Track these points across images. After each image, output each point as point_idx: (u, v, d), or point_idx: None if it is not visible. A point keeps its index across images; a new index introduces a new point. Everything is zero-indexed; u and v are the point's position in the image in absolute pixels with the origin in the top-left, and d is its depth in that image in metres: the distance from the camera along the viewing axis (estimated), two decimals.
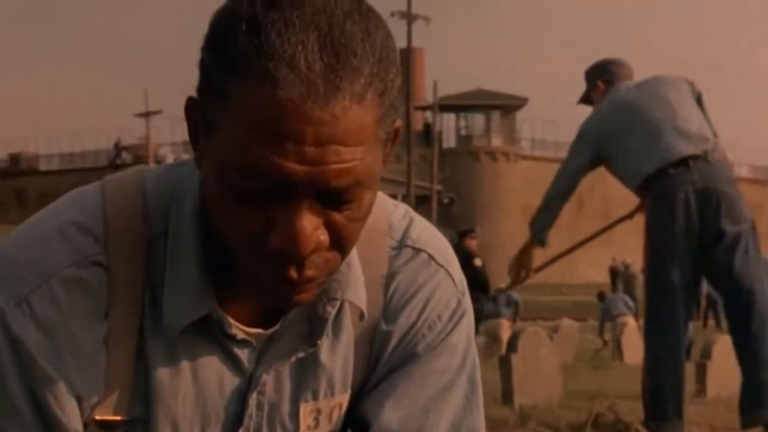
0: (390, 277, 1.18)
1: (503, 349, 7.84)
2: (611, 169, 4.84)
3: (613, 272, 31.01)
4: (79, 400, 1.07)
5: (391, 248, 1.19)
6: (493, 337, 13.32)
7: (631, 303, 16.15)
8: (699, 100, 4.76)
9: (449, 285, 1.21)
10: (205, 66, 0.99)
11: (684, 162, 4.53)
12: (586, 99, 5.06)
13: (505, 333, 12.42)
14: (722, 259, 4.53)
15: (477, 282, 12.69)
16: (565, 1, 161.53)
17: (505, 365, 6.41)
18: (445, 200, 46.00)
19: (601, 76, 4.93)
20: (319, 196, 0.97)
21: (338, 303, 1.14)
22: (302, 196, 0.96)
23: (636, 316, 15.42)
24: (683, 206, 4.51)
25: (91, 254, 1.08)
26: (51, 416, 1.06)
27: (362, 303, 1.15)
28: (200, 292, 1.07)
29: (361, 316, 1.16)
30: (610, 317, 15.55)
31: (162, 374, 1.10)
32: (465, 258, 12.46)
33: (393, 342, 1.19)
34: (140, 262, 1.09)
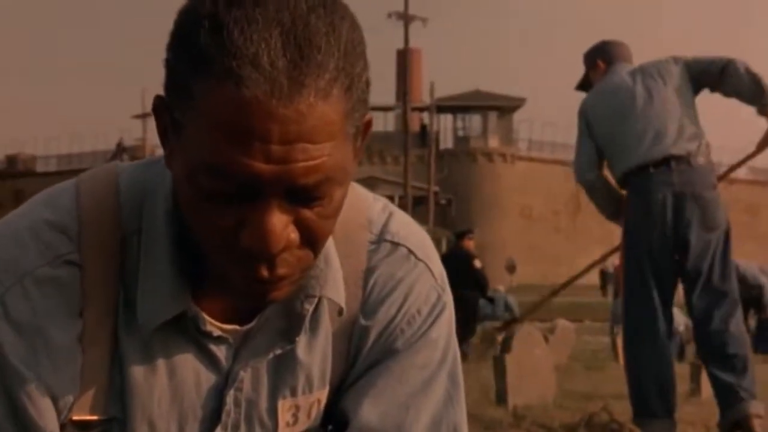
0: (369, 271, 1.17)
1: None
2: (608, 166, 4.83)
3: (603, 274, 30.55)
4: (55, 400, 1.07)
5: (370, 242, 1.18)
6: (490, 339, 13.29)
7: None
8: (691, 74, 4.67)
9: (429, 279, 1.20)
10: (170, 65, 0.97)
11: (666, 162, 4.52)
12: (585, 83, 5.01)
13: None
14: (691, 263, 4.54)
15: (476, 283, 12.65)
16: (563, 1, 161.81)
17: (498, 365, 6.40)
18: (443, 201, 45.98)
19: (602, 56, 4.90)
20: (288, 194, 0.96)
21: (316, 300, 1.13)
22: (271, 195, 0.95)
23: None
24: (660, 207, 4.51)
25: (65, 253, 1.07)
26: (26, 418, 1.05)
27: (341, 299, 1.14)
28: (174, 289, 1.06)
29: (340, 312, 1.15)
30: (616, 320, 15.54)
31: (137, 373, 1.09)
32: (465, 259, 12.41)
33: (372, 337, 1.18)
34: (114, 260, 1.08)
